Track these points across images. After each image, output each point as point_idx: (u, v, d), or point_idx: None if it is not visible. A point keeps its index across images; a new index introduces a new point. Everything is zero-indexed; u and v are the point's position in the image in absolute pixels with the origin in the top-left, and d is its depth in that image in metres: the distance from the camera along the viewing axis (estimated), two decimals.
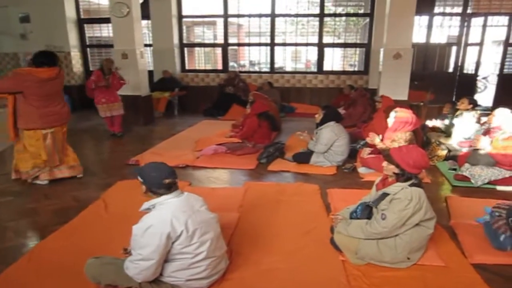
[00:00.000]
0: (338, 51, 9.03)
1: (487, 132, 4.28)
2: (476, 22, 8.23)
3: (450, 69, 8.58)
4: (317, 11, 8.51)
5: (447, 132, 5.55)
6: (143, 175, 2.09)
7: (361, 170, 4.40)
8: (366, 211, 2.54)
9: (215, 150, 4.98)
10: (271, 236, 2.87)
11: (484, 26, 8.12)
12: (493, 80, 10.38)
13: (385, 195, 2.45)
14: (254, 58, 9.84)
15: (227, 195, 3.71)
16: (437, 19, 8.40)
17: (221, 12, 8.73)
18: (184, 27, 9.08)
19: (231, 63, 9.54)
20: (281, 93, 8.25)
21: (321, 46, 8.63)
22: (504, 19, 8.17)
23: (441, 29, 8.64)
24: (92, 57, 9.31)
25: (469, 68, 8.70)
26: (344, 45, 8.89)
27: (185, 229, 1.98)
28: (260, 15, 8.77)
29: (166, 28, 8.59)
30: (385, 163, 2.53)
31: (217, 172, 4.46)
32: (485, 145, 4.01)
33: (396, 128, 4.08)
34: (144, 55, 7.24)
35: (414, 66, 7.48)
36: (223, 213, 2.91)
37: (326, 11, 8.58)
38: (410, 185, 2.37)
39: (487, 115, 4.69)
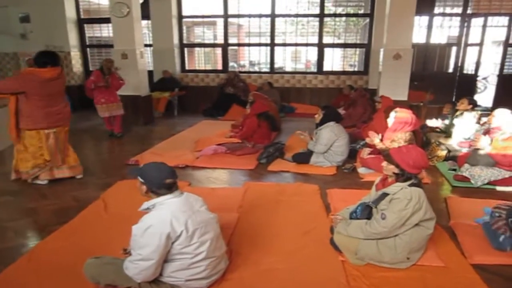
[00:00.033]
0: (338, 51, 9.03)
1: (487, 132, 4.28)
2: (476, 22, 8.24)
3: (450, 70, 8.58)
4: (317, 11, 8.51)
5: (447, 132, 5.56)
6: (144, 175, 2.09)
7: (361, 170, 4.40)
8: (366, 211, 2.54)
9: (215, 150, 4.98)
10: (270, 236, 2.87)
11: (484, 26, 8.12)
12: (493, 81, 10.37)
13: (384, 195, 2.45)
14: (254, 58, 9.84)
15: (227, 195, 3.71)
16: (437, 20, 8.41)
17: (221, 12, 8.73)
18: (184, 27, 9.08)
19: (231, 63, 9.54)
20: (281, 93, 8.26)
21: (321, 46, 8.63)
22: (504, 20, 8.17)
23: (441, 29, 8.64)
24: (92, 57, 9.31)
25: (469, 68, 8.70)
26: (344, 46, 8.89)
27: (185, 229, 1.98)
28: (260, 15, 8.77)
29: (166, 28, 8.59)
30: (384, 163, 2.53)
31: (216, 172, 4.46)
32: (484, 145, 4.01)
33: (396, 129, 4.09)
34: (144, 55, 7.25)
35: (414, 66, 7.49)
36: (223, 213, 2.91)
37: (326, 11, 8.58)
38: (410, 185, 2.38)
39: (487, 115, 4.69)
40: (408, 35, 6.44)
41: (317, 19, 8.53)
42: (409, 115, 4.09)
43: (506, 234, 2.62)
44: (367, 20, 8.51)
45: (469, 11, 8.14)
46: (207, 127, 6.92)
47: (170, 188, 2.08)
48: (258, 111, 5.44)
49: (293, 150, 4.95)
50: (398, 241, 2.39)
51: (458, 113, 5.45)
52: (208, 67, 9.43)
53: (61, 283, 2.31)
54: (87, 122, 7.29)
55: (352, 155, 4.78)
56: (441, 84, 8.10)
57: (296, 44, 9.10)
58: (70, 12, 8.62)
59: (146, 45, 7.86)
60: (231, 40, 9.29)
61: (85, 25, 9.06)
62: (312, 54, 9.24)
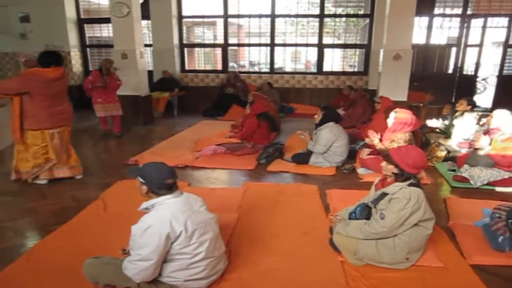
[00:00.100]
0: (338, 51, 9.04)
1: (486, 133, 4.28)
2: (476, 23, 8.24)
3: (450, 70, 8.58)
4: (317, 11, 8.51)
5: (446, 133, 5.56)
6: (144, 175, 2.08)
7: (360, 170, 4.40)
8: (365, 212, 2.54)
9: (215, 150, 4.98)
10: (270, 237, 2.87)
11: (484, 27, 8.12)
12: (492, 81, 10.37)
13: (384, 194, 2.46)
14: (254, 59, 9.84)
15: (226, 195, 3.71)
16: (437, 20, 8.42)
17: (221, 13, 8.74)
18: (184, 27, 9.08)
19: (231, 64, 9.54)
20: (280, 94, 8.26)
21: (321, 47, 8.63)
22: (504, 21, 8.18)
23: (441, 30, 8.65)
24: (92, 57, 9.32)
25: (468, 69, 8.70)
26: (344, 46, 8.90)
27: (184, 230, 1.98)
28: (260, 16, 8.78)
29: (166, 28, 8.59)
30: (384, 163, 2.54)
31: (216, 173, 4.46)
32: (484, 144, 4.01)
33: (395, 129, 4.09)
34: (144, 55, 7.25)
35: (413, 67, 7.49)
36: (222, 213, 2.91)
37: (326, 12, 8.58)
38: (409, 185, 2.38)
39: (487, 116, 4.70)
40: (408, 35, 6.45)
41: (317, 19, 8.53)
42: (408, 115, 4.09)
43: (505, 235, 2.62)
44: (367, 20, 8.51)
45: (469, 12, 8.14)
46: (206, 127, 6.92)
47: (171, 188, 2.08)
48: (257, 111, 5.44)
49: (293, 151, 4.95)
50: (397, 241, 2.39)
51: (457, 113, 5.45)
52: (208, 67, 9.43)
53: (60, 283, 2.31)
54: (86, 122, 7.28)
55: (352, 155, 4.78)
56: (440, 85, 8.10)
57: (296, 45, 9.10)
58: (70, 12, 8.63)
59: (146, 45, 7.85)
60: (231, 40, 9.29)
61: (85, 25, 9.06)
62: (312, 54, 9.25)
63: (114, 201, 3.52)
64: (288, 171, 4.47)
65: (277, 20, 8.66)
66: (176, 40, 8.84)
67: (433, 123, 5.83)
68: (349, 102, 7.32)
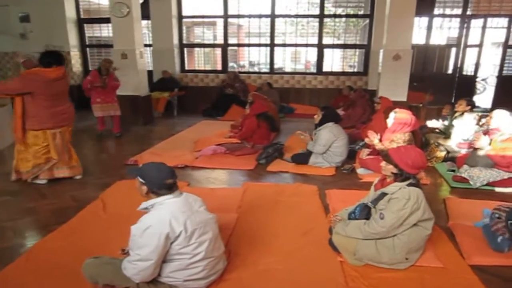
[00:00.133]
0: (338, 52, 9.04)
1: (485, 133, 4.28)
2: (476, 23, 8.24)
3: (450, 71, 8.59)
4: (317, 12, 8.52)
5: (446, 133, 5.56)
6: (144, 175, 2.07)
7: (360, 171, 4.40)
8: (365, 212, 2.54)
9: (214, 150, 4.98)
10: (269, 237, 2.87)
11: (484, 27, 8.12)
12: (492, 82, 10.36)
13: (383, 194, 2.46)
14: (253, 59, 9.84)
15: (226, 195, 3.71)
16: (436, 21, 8.42)
17: (221, 13, 8.74)
18: (184, 28, 9.09)
19: (230, 64, 9.54)
20: (280, 94, 8.26)
21: (320, 47, 8.63)
22: (504, 21, 8.18)
23: (441, 30, 8.65)
24: (91, 57, 9.32)
25: (468, 69, 8.71)
26: (344, 46, 8.90)
27: (183, 230, 1.98)
28: (260, 16, 8.78)
29: (166, 28, 8.60)
30: (383, 163, 2.54)
31: (216, 173, 4.46)
32: (484, 144, 4.01)
33: (395, 129, 4.08)
34: (144, 55, 7.25)
35: (413, 67, 7.49)
36: (222, 213, 2.91)
37: (326, 12, 8.59)
38: (408, 185, 2.38)
39: (486, 116, 4.69)
40: (407, 36, 6.45)
41: (317, 19, 8.53)
42: (408, 115, 4.09)
43: (504, 236, 2.62)
44: (367, 21, 8.52)
45: (468, 12, 8.15)
46: (206, 127, 6.92)
47: (171, 188, 2.07)
48: (257, 111, 5.44)
49: (292, 151, 4.96)
50: (396, 241, 2.39)
51: (457, 114, 5.45)
52: (208, 68, 9.43)
53: (59, 283, 2.31)
54: (85, 122, 7.27)
55: (351, 155, 4.79)
56: (440, 85, 8.10)
57: (296, 45, 9.11)
58: (70, 12, 8.63)
59: (145, 45, 7.86)
60: (231, 41, 9.29)
61: (85, 25, 9.07)
62: (311, 54, 9.25)
63: (113, 201, 3.52)
64: (287, 171, 4.47)
65: (277, 20, 8.66)
66: (176, 40, 8.84)
67: (433, 123, 5.83)
68: (348, 103, 7.32)
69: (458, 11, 8.22)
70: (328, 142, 4.45)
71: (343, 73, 8.75)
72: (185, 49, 9.17)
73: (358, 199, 2.82)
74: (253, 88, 8.25)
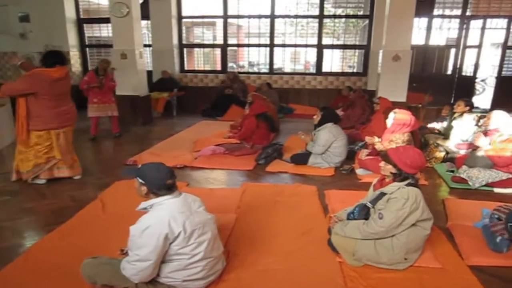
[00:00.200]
0: (337, 52, 9.05)
1: (484, 134, 4.29)
2: (475, 24, 8.25)
3: (449, 71, 8.59)
4: (316, 12, 8.53)
5: (445, 134, 5.55)
6: (144, 176, 2.06)
7: (359, 171, 4.40)
8: (364, 212, 2.55)
9: (214, 150, 4.98)
10: (268, 237, 2.87)
11: (483, 28, 8.13)
12: (491, 83, 10.38)
13: (382, 194, 2.46)
14: (253, 59, 9.85)
15: (225, 196, 3.71)
16: (436, 21, 8.42)
17: (221, 13, 8.75)
18: (183, 28, 9.09)
19: (230, 64, 9.55)
20: (279, 94, 8.27)
21: (320, 48, 8.64)
22: (503, 22, 8.20)
23: (440, 31, 8.65)
24: (91, 57, 9.32)
25: (467, 70, 8.72)
26: (343, 47, 8.91)
27: (182, 230, 1.98)
28: (259, 16, 8.79)
29: (165, 29, 8.60)
30: (382, 163, 2.54)
31: (215, 173, 4.46)
32: (484, 144, 4.02)
33: (394, 130, 4.09)
34: (143, 55, 7.25)
35: (413, 68, 7.49)
36: (221, 214, 2.92)
37: (325, 13, 8.60)
38: (407, 185, 2.38)
39: (485, 117, 4.69)
40: (407, 36, 6.46)
41: (317, 20, 8.54)
42: (408, 116, 4.09)
43: (504, 236, 2.62)
44: (367, 21, 8.53)
45: (468, 13, 8.16)
46: (205, 128, 6.92)
47: (170, 188, 2.07)
48: (256, 111, 5.43)
49: (292, 151, 4.96)
50: (395, 242, 2.40)
51: (456, 115, 5.45)
52: (207, 68, 9.43)
53: (58, 283, 2.30)
54: (85, 122, 7.24)
55: (351, 156, 4.79)
56: (439, 86, 8.11)
57: (296, 45, 9.12)
58: (69, 12, 8.63)
59: (145, 45, 7.87)
60: (231, 41, 9.29)
61: (85, 25, 9.07)
62: (311, 55, 9.26)
63: (112, 201, 3.52)
64: (286, 171, 4.47)
65: (276, 20, 8.67)
66: (175, 40, 8.85)
67: (434, 125, 5.83)
68: (348, 103, 7.32)
69: (458, 12, 8.23)
70: (327, 143, 4.45)
71: (342, 74, 8.75)
72: (185, 49, 9.18)
73: (357, 200, 2.82)
74: (253, 88, 8.25)
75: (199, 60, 9.53)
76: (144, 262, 1.94)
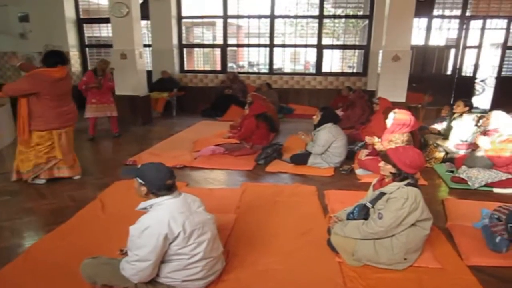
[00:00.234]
0: (337, 52, 9.06)
1: (484, 134, 4.29)
2: (475, 24, 8.25)
3: (449, 72, 8.60)
4: (316, 12, 8.53)
5: (445, 134, 5.56)
6: (143, 176, 2.06)
7: (359, 171, 4.40)
8: (363, 212, 2.55)
9: (213, 151, 4.98)
10: (268, 237, 2.87)
11: (483, 28, 8.14)
12: (491, 83, 10.38)
13: (382, 194, 2.47)
14: (253, 59, 9.85)
15: (225, 196, 3.71)
16: (436, 22, 8.43)
17: (221, 13, 8.75)
18: (183, 28, 9.09)
19: (230, 64, 9.55)
20: (279, 94, 8.26)
21: (320, 48, 8.65)
22: (503, 22, 8.21)
23: (440, 31, 8.66)
24: (91, 57, 9.32)
25: (467, 70, 8.72)
26: (343, 47, 8.92)
27: (182, 230, 1.98)
28: (259, 16, 8.79)
29: (165, 29, 8.60)
30: (382, 163, 2.55)
31: (214, 173, 4.46)
32: (484, 143, 4.02)
33: (394, 130, 4.09)
34: (143, 55, 7.25)
35: (412, 68, 7.50)
36: (220, 214, 2.92)
37: (325, 13, 8.61)
38: (407, 185, 2.39)
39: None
40: (407, 37, 6.46)
41: (317, 20, 8.55)
42: (407, 116, 4.10)
43: (503, 236, 2.62)
44: (366, 21, 8.53)
45: (468, 13, 8.17)
46: (205, 128, 6.92)
47: (170, 189, 2.07)
48: (256, 112, 5.44)
49: (291, 151, 4.96)
50: (394, 242, 2.40)
51: (456, 115, 5.45)
52: (207, 68, 9.44)
53: (57, 283, 2.30)
54: (84, 122, 7.24)
55: (350, 156, 4.79)
56: (439, 86, 8.11)
57: (295, 45, 9.12)
58: (69, 11, 8.63)
59: (145, 45, 7.87)
60: (230, 41, 9.30)
61: (84, 25, 9.07)
62: (311, 55, 9.26)
63: (112, 201, 3.52)
64: (286, 171, 4.47)
65: (276, 21, 8.68)
66: (175, 41, 8.85)
67: (434, 126, 5.83)
68: (347, 103, 7.32)
69: (457, 12, 8.23)
70: (327, 143, 4.45)
71: (342, 74, 8.76)
72: (185, 50, 9.18)
73: (356, 200, 2.82)
74: (252, 88, 8.25)
75: (198, 60, 9.54)
76: (144, 262, 1.94)
